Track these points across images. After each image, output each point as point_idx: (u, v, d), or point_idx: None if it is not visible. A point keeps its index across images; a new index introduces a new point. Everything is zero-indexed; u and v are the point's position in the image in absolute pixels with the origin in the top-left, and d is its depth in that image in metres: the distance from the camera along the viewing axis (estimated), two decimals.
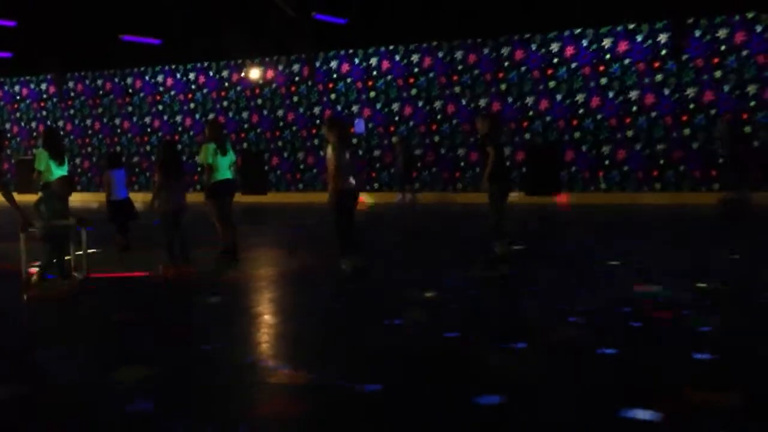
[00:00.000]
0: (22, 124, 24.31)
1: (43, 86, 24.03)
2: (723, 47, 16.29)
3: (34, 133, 23.57)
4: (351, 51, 19.84)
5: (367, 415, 3.75)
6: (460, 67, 18.71)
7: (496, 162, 8.89)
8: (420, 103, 19.13)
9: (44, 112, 24.04)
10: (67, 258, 7.48)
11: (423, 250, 9.98)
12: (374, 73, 19.62)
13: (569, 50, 17.56)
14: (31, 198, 10.21)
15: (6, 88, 24.56)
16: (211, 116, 21.41)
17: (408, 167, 18.67)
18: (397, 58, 19.36)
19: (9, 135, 24.18)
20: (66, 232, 7.36)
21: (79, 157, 23.46)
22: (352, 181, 8.07)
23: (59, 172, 9.56)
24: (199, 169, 19.71)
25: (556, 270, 7.84)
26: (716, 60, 16.35)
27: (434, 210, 16.71)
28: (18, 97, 24.47)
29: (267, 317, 6.12)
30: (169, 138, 21.10)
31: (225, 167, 9.35)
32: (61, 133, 23.45)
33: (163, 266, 8.40)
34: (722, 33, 16.28)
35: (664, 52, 16.76)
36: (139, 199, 14.54)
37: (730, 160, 15.19)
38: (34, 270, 7.32)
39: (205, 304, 6.72)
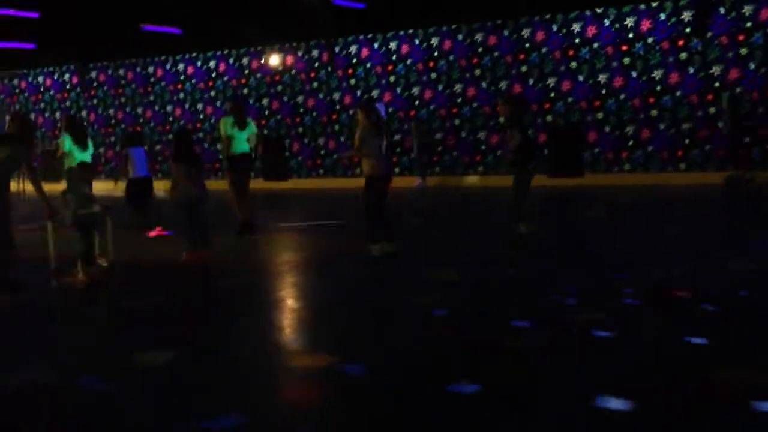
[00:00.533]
0: (47, 114, 24.68)
1: (66, 76, 24.36)
2: (748, 24, 16.06)
3: (58, 124, 23.91)
4: (370, 35, 19.85)
5: (387, 401, 3.83)
6: (480, 50, 18.65)
7: (520, 146, 8.96)
8: (440, 87, 19.12)
9: (67, 103, 24.39)
10: (93, 245, 7.68)
11: (444, 233, 10.05)
12: (394, 57, 19.64)
13: (591, 30, 17.43)
14: (56, 187, 10.46)
15: (29, 79, 24.94)
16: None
17: (423, 151, 18.75)
18: (417, 41, 19.35)
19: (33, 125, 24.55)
20: (93, 219, 7.55)
21: (102, 146, 23.78)
22: (385, 167, 8.14)
23: (82, 157, 9.83)
24: (220, 157, 19.89)
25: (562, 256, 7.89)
26: (741, 37, 16.13)
27: (446, 193, 16.75)
28: (41, 88, 24.84)
29: (290, 302, 6.26)
30: (184, 127, 21.38)
31: (242, 140, 9.63)
32: (84, 123, 23.77)
33: (185, 252, 8.58)
34: (747, 9, 16.05)
35: (688, 29, 16.57)
36: (161, 187, 14.78)
37: (730, 138, 15.24)
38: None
39: (228, 288, 6.87)
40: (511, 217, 9.12)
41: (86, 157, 9.89)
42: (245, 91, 21.61)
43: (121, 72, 23.48)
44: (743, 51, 16.13)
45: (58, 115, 24.34)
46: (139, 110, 23.27)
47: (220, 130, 9.68)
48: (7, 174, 6.83)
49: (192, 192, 8.58)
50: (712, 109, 16.39)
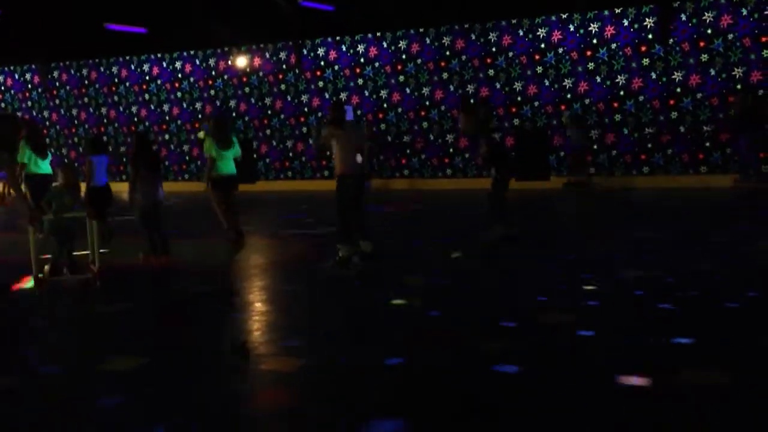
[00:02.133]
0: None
1: (28, 76, 24.61)
2: (709, 30, 16.97)
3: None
4: (338, 38, 20.47)
5: (357, 400, 4.26)
6: (448, 53, 19.37)
7: (494, 149, 9.54)
8: (408, 90, 19.81)
9: (29, 103, 24.65)
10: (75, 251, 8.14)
11: (407, 234, 10.69)
12: (362, 59, 20.28)
13: (556, 35, 18.23)
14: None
15: None
16: (197, 106, 22.11)
17: (372, 154, 19.33)
18: (385, 44, 20.01)
19: None
20: (67, 224, 7.99)
21: (65, 147, 24.10)
22: (352, 165, 8.54)
23: (43, 165, 10.23)
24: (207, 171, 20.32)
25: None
26: (702, 43, 17.04)
27: (399, 196, 17.44)
28: (2, 88, 25.04)
29: (258, 305, 6.84)
30: (142, 130, 21.89)
31: (227, 160, 10.16)
32: (47, 123, 24.09)
33: (143, 256, 9.07)
34: (708, 16, 16.96)
35: (650, 36, 17.44)
36: (124, 189, 15.20)
37: (574, 148, 17.63)
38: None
39: (198, 292, 7.42)
40: (489, 219, 9.66)
41: (46, 165, 10.26)
42: (212, 92, 22.10)
43: (85, 72, 23.80)
44: (704, 57, 17.03)
45: (19, 115, 24.56)
46: (103, 111, 23.63)
47: (206, 149, 10.14)
48: None
49: (150, 195, 9.07)
50: (674, 114, 17.28)
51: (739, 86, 16.74)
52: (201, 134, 19.94)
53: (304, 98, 21.01)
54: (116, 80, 23.39)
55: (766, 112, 16.24)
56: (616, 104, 17.83)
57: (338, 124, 8.51)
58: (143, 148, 9.31)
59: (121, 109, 23.39)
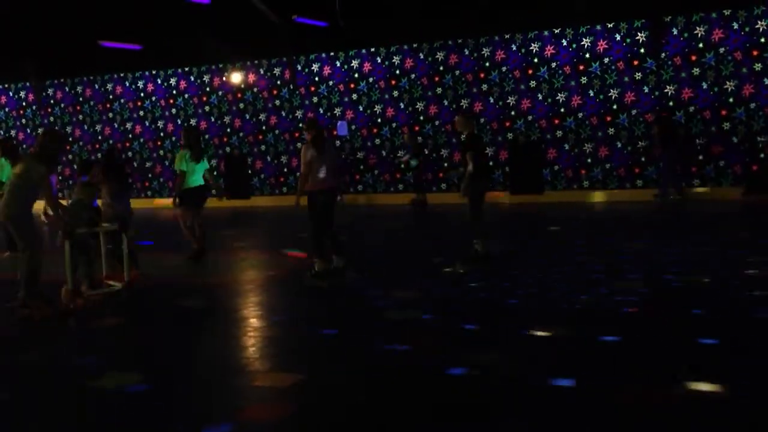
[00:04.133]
0: (1, 132, 24.86)
1: (22, 94, 24.59)
2: (701, 45, 17.06)
3: (14, 142, 24.07)
4: (332, 53, 20.52)
5: (351, 417, 4.21)
6: (441, 68, 19.42)
7: (476, 163, 9.57)
8: (402, 104, 19.84)
9: (23, 120, 24.61)
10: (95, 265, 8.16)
11: (387, 250, 10.65)
12: (356, 75, 20.32)
13: (549, 50, 18.30)
14: None
15: None
16: (191, 122, 22.14)
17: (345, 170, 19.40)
18: (379, 60, 20.06)
19: None
20: (87, 239, 8.00)
21: (60, 165, 24.02)
22: (322, 179, 8.61)
23: None
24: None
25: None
26: (694, 57, 17.12)
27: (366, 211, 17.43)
28: None
29: (253, 320, 6.79)
30: (112, 146, 21.94)
31: (199, 173, 10.13)
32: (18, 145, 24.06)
33: (132, 272, 9.05)
34: (700, 30, 17.05)
35: (642, 50, 17.53)
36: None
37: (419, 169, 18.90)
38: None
39: (190, 308, 7.36)
40: (472, 234, 9.67)
41: None
42: (207, 108, 22.10)
43: (79, 89, 23.80)
44: (696, 71, 17.11)
45: (13, 133, 24.56)
46: (98, 128, 23.60)
47: (176, 164, 10.13)
48: (23, 192, 6.95)
49: (119, 209, 9.06)
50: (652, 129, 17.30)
51: (731, 99, 16.82)
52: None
53: (299, 114, 21.03)
54: (111, 97, 23.39)
55: (680, 133, 16.90)
56: (609, 118, 17.88)
57: (318, 145, 8.60)
58: (112, 164, 9.35)
59: (116, 125, 23.37)
